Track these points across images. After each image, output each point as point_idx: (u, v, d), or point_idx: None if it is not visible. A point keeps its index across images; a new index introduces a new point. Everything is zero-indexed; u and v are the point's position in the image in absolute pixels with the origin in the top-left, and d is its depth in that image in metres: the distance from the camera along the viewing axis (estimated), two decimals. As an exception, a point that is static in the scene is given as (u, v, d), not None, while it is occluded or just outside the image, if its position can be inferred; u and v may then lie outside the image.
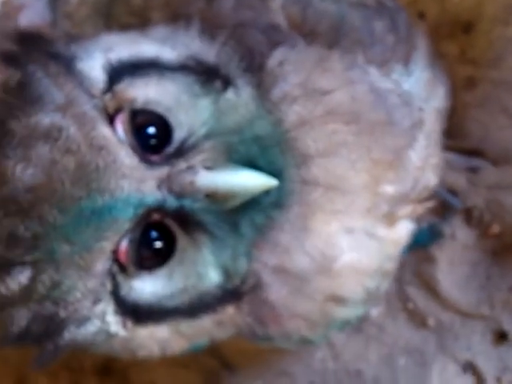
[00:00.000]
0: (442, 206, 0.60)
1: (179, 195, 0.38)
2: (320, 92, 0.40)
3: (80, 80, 0.38)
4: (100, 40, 0.40)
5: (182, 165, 0.38)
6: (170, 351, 0.42)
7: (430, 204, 0.45)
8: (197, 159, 0.38)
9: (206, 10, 0.41)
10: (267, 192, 0.38)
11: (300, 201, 0.40)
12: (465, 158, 0.61)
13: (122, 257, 0.38)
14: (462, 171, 0.61)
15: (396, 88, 0.43)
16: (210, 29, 0.41)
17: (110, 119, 0.38)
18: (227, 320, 0.41)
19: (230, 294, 0.40)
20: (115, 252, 0.38)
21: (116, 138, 0.37)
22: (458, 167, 0.61)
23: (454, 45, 0.61)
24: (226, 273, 0.40)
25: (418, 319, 0.62)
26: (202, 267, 0.40)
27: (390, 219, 0.43)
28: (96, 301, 0.38)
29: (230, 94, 0.40)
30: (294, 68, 0.40)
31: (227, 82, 0.40)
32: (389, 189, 0.42)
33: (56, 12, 0.44)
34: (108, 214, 0.36)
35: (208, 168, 0.37)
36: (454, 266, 0.61)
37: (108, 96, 0.38)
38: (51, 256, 0.36)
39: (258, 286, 0.40)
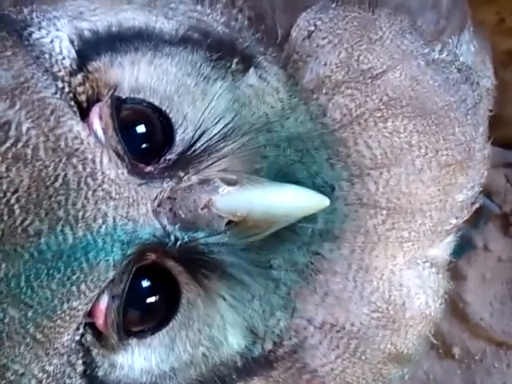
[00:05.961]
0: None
1: (189, 224, 0.30)
2: (370, 74, 0.34)
3: (36, 55, 0.31)
4: (65, 4, 0.33)
5: (190, 178, 0.30)
6: None
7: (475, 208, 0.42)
8: (212, 170, 0.31)
9: None
10: (311, 218, 0.31)
11: (356, 229, 0.34)
12: (503, 152, 0.59)
13: (100, 321, 0.30)
14: (499, 168, 0.59)
15: (454, 59, 0.38)
16: None
17: (81, 111, 0.31)
18: None
19: (258, 362, 0.34)
20: (89, 315, 0.30)
21: (93, 138, 0.29)
22: (494, 163, 0.56)
23: (492, 11, 0.57)
24: (254, 335, 0.33)
25: (440, 347, 0.59)
26: (218, 329, 0.33)
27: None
28: None
29: (252, 78, 0.33)
30: (329, 40, 0.34)
31: (247, 61, 0.34)
32: (459, 197, 0.37)
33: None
34: (83, 257, 0.28)
35: (231, 182, 0.30)
36: (486, 284, 0.59)
37: (78, 78, 0.31)
38: None
39: (297, 350, 0.34)
